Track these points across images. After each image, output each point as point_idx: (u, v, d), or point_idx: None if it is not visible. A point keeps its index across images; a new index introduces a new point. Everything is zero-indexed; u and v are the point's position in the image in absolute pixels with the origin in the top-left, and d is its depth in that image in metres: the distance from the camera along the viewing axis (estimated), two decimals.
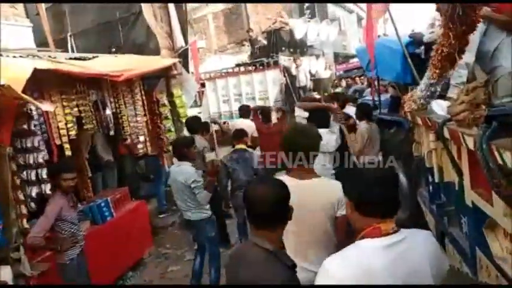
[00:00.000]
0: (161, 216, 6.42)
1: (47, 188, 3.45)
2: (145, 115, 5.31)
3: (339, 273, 1.35)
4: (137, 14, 8.24)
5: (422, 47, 4.28)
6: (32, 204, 3.42)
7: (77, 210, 3.60)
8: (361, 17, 22.83)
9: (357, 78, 12.96)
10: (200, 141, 5.01)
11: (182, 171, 3.71)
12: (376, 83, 6.13)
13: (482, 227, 1.88)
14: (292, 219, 1.72)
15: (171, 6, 7.30)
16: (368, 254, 1.35)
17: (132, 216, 4.87)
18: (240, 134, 4.72)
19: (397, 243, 1.37)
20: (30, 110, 3.44)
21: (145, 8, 7.25)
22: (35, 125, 3.52)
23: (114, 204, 4.63)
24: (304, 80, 12.03)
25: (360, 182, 1.47)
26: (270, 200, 1.59)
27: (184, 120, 5.87)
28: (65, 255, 3.22)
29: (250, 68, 11.74)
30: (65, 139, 3.96)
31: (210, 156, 5.38)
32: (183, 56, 7.35)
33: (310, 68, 13.01)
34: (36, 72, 3.18)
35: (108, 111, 4.82)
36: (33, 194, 3.42)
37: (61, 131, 3.95)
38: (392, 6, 4.82)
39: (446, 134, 2.31)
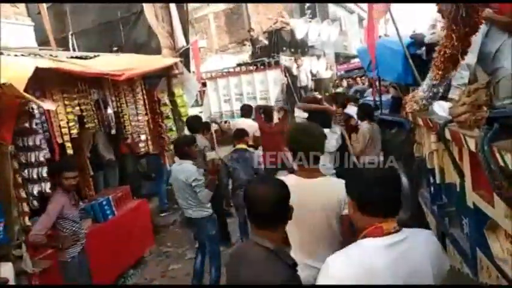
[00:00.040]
0: (162, 214, 6.43)
1: (46, 187, 3.46)
2: (146, 114, 5.33)
3: (340, 271, 1.36)
4: (138, 13, 8.24)
5: (424, 48, 4.28)
6: (34, 202, 3.44)
7: (79, 208, 3.61)
8: (362, 18, 22.83)
9: (358, 79, 12.95)
10: (201, 140, 5.02)
11: (183, 170, 3.72)
12: (377, 83, 6.13)
13: (483, 228, 1.88)
14: (297, 217, 1.73)
15: (172, 6, 7.30)
16: (370, 253, 1.36)
17: (133, 214, 4.88)
18: (241, 133, 4.74)
19: (399, 243, 1.38)
20: (32, 108, 3.46)
21: (147, 7, 7.25)
22: (36, 124, 3.53)
23: (116, 202, 4.64)
24: (305, 80, 12.04)
25: (362, 181, 1.47)
26: (270, 200, 1.60)
27: (185, 120, 5.88)
28: (66, 253, 3.23)
29: (251, 67, 11.75)
30: (66, 138, 3.99)
31: (210, 155, 5.39)
32: (184, 55, 7.34)
33: (311, 68, 13.02)
34: (37, 71, 3.19)
35: (110, 110, 4.84)
36: (35, 192, 3.44)
37: (63, 130, 3.97)
38: (394, 7, 4.83)
39: (448, 135, 2.31)
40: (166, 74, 5.88)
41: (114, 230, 4.44)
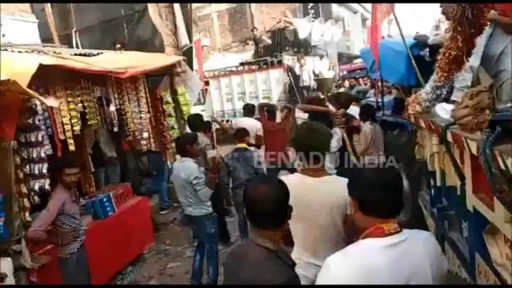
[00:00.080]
0: (163, 212, 6.45)
1: (46, 183, 3.47)
2: (148, 112, 5.34)
3: (341, 270, 1.36)
4: (142, 11, 8.25)
5: (427, 49, 4.27)
6: (35, 198, 3.46)
7: (79, 205, 3.62)
8: (365, 18, 22.77)
9: (360, 79, 12.92)
10: (202, 138, 5.04)
11: (185, 167, 3.74)
12: (379, 84, 6.12)
13: (482, 232, 1.88)
14: (302, 215, 1.73)
15: (176, 5, 7.31)
16: (370, 253, 1.37)
17: (133, 211, 4.90)
18: (242, 133, 4.75)
19: (400, 243, 1.39)
20: (35, 105, 3.48)
21: (151, 6, 7.26)
22: (39, 120, 3.55)
23: (116, 199, 4.66)
24: (307, 79, 12.04)
25: (364, 181, 1.49)
26: (270, 200, 1.59)
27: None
28: (65, 249, 3.23)
29: (254, 66, 11.74)
30: (69, 134, 4.00)
31: (211, 153, 5.41)
32: (187, 54, 7.35)
33: (313, 68, 13.02)
34: (41, 67, 3.20)
35: (112, 108, 4.85)
36: (36, 188, 3.45)
37: (65, 126, 3.98)
38: (397, 7, 4.82)
39: (450, 138, 2.31)
40: (169, 72, 5.89)
41: (113, 227, 4.45)
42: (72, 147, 4.00)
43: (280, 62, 11.25)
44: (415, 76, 4.02)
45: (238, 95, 11.49)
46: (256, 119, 6.31)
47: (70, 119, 4.05)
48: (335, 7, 19.18)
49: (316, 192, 2.08)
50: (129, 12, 8.73)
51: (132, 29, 8.67)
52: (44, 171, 3.45)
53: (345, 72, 16.02)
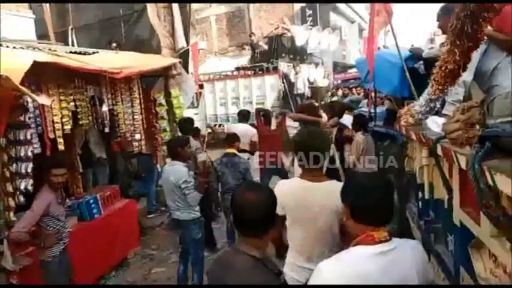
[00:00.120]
0: (150, 216, 6.36)
1: (29, 183, 3.37)
2: (141, 113, 5.29)
3: (332, 275, 1.40)
4: (140, 11, 8.24)
5: (421, 62, 4.30)
6: (21, 197, 3.36)
7: (65, 206, 3.54)
8: (362, 28, 23.01)
9: (354, 89, 13.01)
10: (193, 141, 5.03)
11: (174, 171, 3.70)
12: (372, 94, 6.16)
13: (468, 246, 1.89)
14: (301, 219, 1.74)
15: (175, 6, 7.30)
16: (361, 260, 1.41)
17: (120, 214, 4.82)
18: (232, 138, 4.75)
19: (389, 252, 1.44)
20: (26, 102, 3.41)
21: (149, 6, 7.24)
22: (29, 118, 3.48)
23: (103, 201, 4.58)
24: (302, 87, 12.10)
25: (356, 190, 1.54)
26: (257, 207, 1.56)
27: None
28: (47, 252, 3.14)
29: (249, 72, 11.77)
30: (59, 133, 3.94)
31: (201, 157, 5.40)
32: (184, 56, 7.34)
33: (308, 76, 13.09)
34: (35, 64, 3.16)
35: (105, 108, 4.79)
36: (22, 187, 3.36)
37: (56, 125, 3.93)
38: (394, 19, 4.87)
39: (439, 152, 2.32)
40: (164, 74, 5.85)
41: (99, 230, 4.37)
42: (61, 147, 3.95)
43: (275, 69, 11.29)
44: (408, 88, 4.04)
45: (232, 99, 11.50)
46: (250, 125, 6.32)
47: (61, 118, 3.99)
48: (333, 16, 19.36)
49: (316, 195, 2.11)
50: (127, 12, 8.71)
51: (129, 28, 8.65)
52: (29, 170, 3.36)
53: (339, 81, 16.15)
